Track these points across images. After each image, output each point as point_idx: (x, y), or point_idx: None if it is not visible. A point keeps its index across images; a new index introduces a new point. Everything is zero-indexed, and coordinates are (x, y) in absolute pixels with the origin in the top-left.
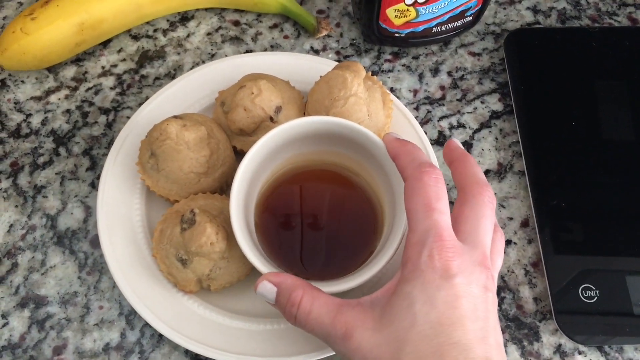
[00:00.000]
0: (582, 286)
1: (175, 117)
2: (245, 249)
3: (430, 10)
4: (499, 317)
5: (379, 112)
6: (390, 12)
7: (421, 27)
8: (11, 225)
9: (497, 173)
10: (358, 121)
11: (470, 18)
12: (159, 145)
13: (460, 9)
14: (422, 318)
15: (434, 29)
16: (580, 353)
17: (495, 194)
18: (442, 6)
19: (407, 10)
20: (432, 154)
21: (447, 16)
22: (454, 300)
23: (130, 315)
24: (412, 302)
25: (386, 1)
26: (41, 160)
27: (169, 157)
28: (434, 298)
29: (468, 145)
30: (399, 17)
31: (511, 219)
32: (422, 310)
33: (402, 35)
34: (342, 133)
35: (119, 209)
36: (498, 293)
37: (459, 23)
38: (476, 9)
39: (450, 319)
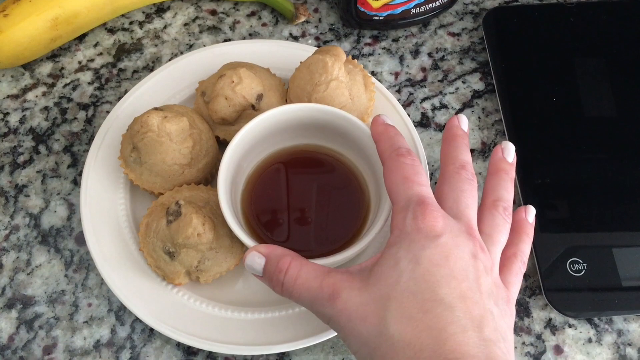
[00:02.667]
0: (570, 260)
1: (155, 109)
2: (235, 228)
3: None
4: None
5: (361, 95)
6: None
7: (400, 9)
8: None
9: (482, 152)
10: (340, 105)
11: None
12: (141, 138)
13: None
14: (407, 275)
15: (413, 11)
16: (570, 326)
17: (480, 173)
18: None
19: None
20: (415, 136)
21: None
22: (439, 258)
23: (120, 311)
24: (398, 261)
25: None
26: (21, 159)
27: (151, 150)
28: (419, 256)
29: None
30: (377, 0)
31: None
32: (407, 267)
33: (381, 18)
34: (324, 118)
35: (103, 205)
36: None
37: (437, 3)
38: None
39: (435, 276)
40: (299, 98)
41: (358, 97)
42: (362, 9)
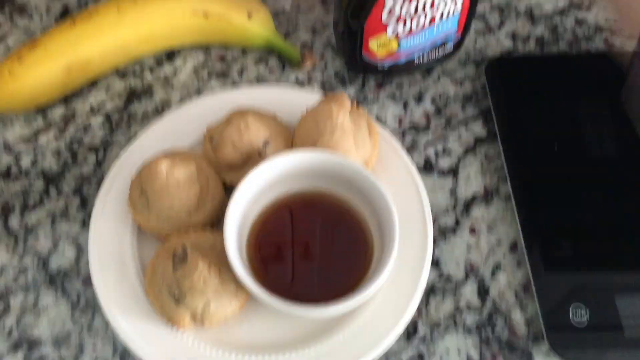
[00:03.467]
0: (573, 305)
1: (164, 154)
2: (241, 274)
3: (411, 42)
4: (492, 340)
5: (366, 142)
6: (372, 43)
7: (403, 59)
8: (2, 268)
9: (484, 198)
10: (345, 152)
11: (451, 48)
12: (150, 184)
13: (440, 39)
14: None
15: (416, 60)
16: None
17: (483, 218)
18: (423, 37)
19: (389, 42)
20: (419, 182)
21: (429, 47)
22: None
23: (125, 354)
24: None
25: (368, 33)
26: (32, 200)
27: (159, 195)
28: None
29: (454, 171)
30: (381, 48)
31: (499, 243)
32: None
33: (385, 67)
34: (329, 165)
35: (110, 248)
36: (490, 318)
37: (440, 52)
38: (457, 38)
39: None
40: (305, 144)
41: (362, 144)
42: (367, 57)
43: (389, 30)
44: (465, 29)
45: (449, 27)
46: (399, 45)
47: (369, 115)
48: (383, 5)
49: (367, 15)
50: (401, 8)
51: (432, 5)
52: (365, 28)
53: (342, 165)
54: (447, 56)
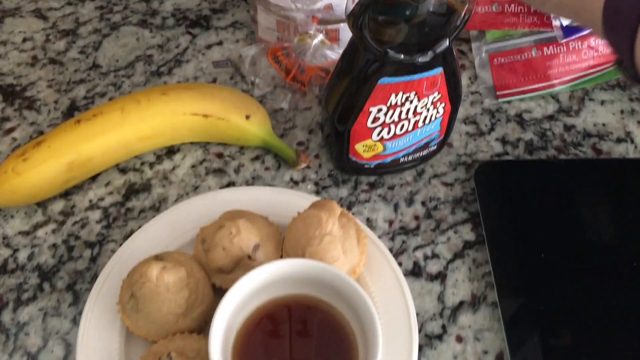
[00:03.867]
0: None
1: (155, 257)
2: None
3: (396, 145)
4: None
5: (354, 248)
6: (359, 147)
7: (389, 159)
8: None
9: (471, 305)
10: (333, 259)
11: (435, 147)
12: (139, 288)
13: (424, 141)
14: None
15: (402, 159)
16: None
17: (470, 326)
18: (407, 140)
19: (375, 145)
20: (405, 287)
21: (413, 148)
22: None
23: None
24: None
25: (354, 138)
26: (25, 296)
27: (148, 299)
28: None
29: (442, 275)
30: (367, 151)
31: (486, 352)
32: None
33: (372, 166)
34: (316, 274)
35: (98, 349)
36: None
37: (424, 153)
38: (440, 139)
39: None
40: (294, 250)
41: (350, 251)
42: (354, 159)
43: (374, 134)
44: (448, 130)
45: (432, 130)
46: (384, 147)
47: (358, 220)
48: (368, 114)
49: (353, 122)
50: (385, 115)
51: (414, 112)
52: (352, 132)
53: (329, 274)
54: (431, 155)
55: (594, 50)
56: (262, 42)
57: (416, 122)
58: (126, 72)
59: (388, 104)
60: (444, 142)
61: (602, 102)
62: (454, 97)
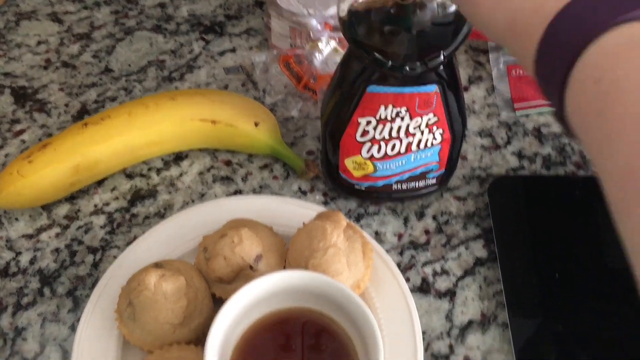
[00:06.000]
0: None
1: (155, 265)
2: None
3: (388, 167)
4: None
5: (359, 262)
6: (348, 163)
7: (380, 182)
8: None
9: (481, 324)
10: (336, 273)
11: (434, 181)
12: (137, 295)
13: (420, 169)
14: None
15: (394, 186)
16: None
17: (478, 347)
18: (400, 164)
19: (365, 163)
20: (411, 304)
21: (407, 175)
22: None
23: None
24: None
25: (344, 152)
26: (25, 300)
27: (145, 308)
28: None
29: (451, 293)
30: (357, 170)
31: None
32: None
33: (362, 188)
34: (318, 287)
35: (94, 358)
36: None
37: (420, 184)
38: (439, 172)
39: None
40: (297, 261)
41: (355, 265)
42: (344, 176)
43: (364, 150)
44: (449, 164)
45: (428, 159)
46: (374, 168)
47: (365, 233)
48: (357, 126)
49: (342, 133)
50: (375, 130)
51: (407, 132)
52: (341, 146)
53: (331, 288)
54: (431, 190)
55: None
56: (274, 49)
57: (409, 145)
58: (138, 77)
59: (377, 116)
60: (446, 176)
61: None
62: (454, 123)
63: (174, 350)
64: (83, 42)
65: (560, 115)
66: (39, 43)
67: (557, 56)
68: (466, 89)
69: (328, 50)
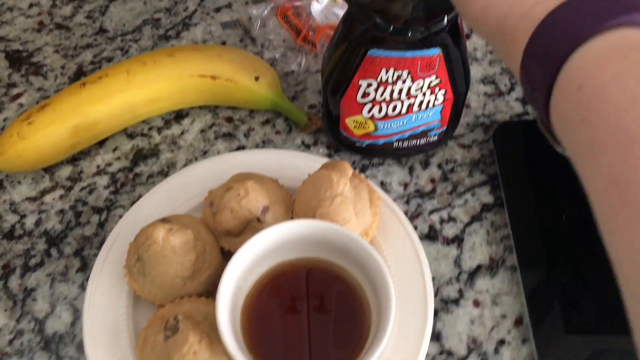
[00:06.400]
0: None
1: (162, 220)
2: (232, 351)
3: (388, 127)
4: None
5: (366, 211)
6: (349, 122)
7: (381, 141)
8: (0, 330)
9: (489, 269)
10: (344, 221)
11: (436, 138)
12: (145, 250)
13: (421, 128)
14: None
15: (395, 144)
16: None
17: (487, 290)
18: (402, 124)
19: (365, 122)
20: (420, 251)
21: (408, 134)
22: None
23: None
24: None
25: (345, 111)
26: (33, 261)
27: (154, 262)
28: None
29: (459, 239)
30: (358, 128)
31: (504, 316)
32: None
33: (363, 145)
34: (327, 235)
35: (105, 315)
36: None
37: (421, 141)
38: (440, 130)
39: None
40: (304, 212)
41: (362, 213)
42: (345, 134)
43: (364, 111)
44: (451, 121)
45: (430, 118)
46: (375, 127)
47: (371, 182)
48: (358, 88)
49: (343, 94)
50: (376, 92)
51: (408, 94)
52: (342, 105)
53: (340, 235)
54: (432, 145)
55: None
56: (271, 2)
57: (410, 106)
58: (133, 36)
59: (378, 79)
60: (447, 134)
61: None
62: (457, 84)
63: (185, 303)
64: (75, 3)
65: (545, 122)
66: (30, 5)
67: (542, 62)
68: (468, 36)
69: (326, 0)
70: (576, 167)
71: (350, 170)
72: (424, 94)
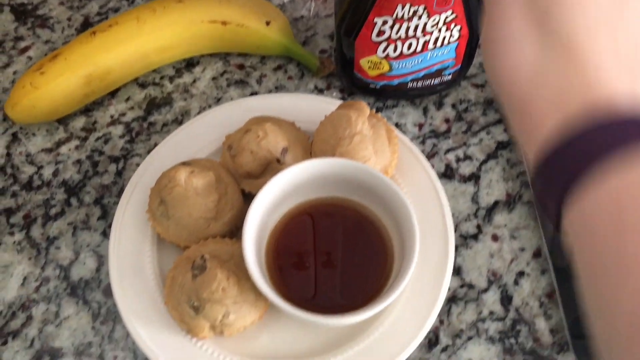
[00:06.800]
0: None
1: (183, 163)
2: (260, 284)
3: (403, 66)
4: (515, 349)
5: (385, 148)
6: (364, 62)
7: (396, 81)
8: (25, 278)
9: (507, 204)
10: (364, 159)
11: (450, 77)
12: (168, 192)
13: (435, 67)
14: None
15: (410, 84)
16: None
17: (505, 225)
18: (416, 62)
19: (380, 63)
20: (439, 188)
21: (422, 73)
22: None
23: None
24: None
25: (359, 52)
26: (53, 211)
27: (178, 204)
28: None
29: (476, 177)
30: (373, 69)
31: (523, 249)
32: None
33: (377, 87)
34: (348, 173)
35: (130, 258)
36: (513, 327)
37: (436, 81)
38: (455, 68)
39: None
40: (323, 152)
41: (381, 151)
42: (359, 76)
43: (379, 50)
44: (465, 60)
45: (445, 56)
46: (390, 67)
47: (388, 122)
48: (373, 26)
49: (357, 33)
50: (391, 30)
51: (424, 31)
52: (356, 46)
53: (361, 173)
54: (446, 85)
55: None
56: None
57: (426, 43)
58: None
59: (394, 15)
60: (462, 71)
61: None
62: (473, 20)
63: (210, 243)
64: None
65: (556, 226)
66: None
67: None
68: None
69: None
70: (585, 291)
71: (367, 109)
72: (440, 30)
